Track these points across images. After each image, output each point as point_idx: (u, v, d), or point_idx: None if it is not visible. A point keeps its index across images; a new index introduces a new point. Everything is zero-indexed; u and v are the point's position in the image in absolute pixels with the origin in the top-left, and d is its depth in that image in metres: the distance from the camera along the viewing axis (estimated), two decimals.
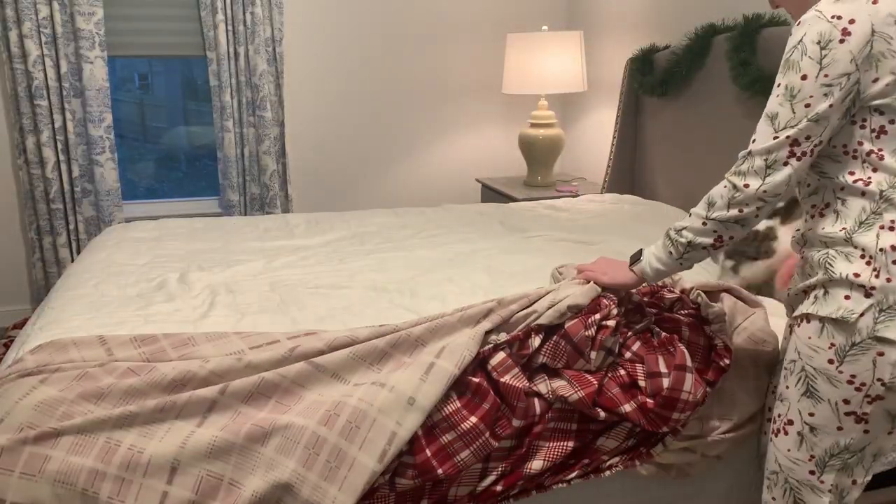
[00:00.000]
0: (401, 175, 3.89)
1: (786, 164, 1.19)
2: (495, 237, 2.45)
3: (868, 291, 1.16)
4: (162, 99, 4.07)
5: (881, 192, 1.17)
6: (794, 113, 1.17)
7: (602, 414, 1.43)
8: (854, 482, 1.27)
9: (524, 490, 1.44)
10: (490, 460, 1.41)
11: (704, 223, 1.31)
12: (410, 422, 1.32)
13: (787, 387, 1.30)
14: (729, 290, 1.65)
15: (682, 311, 1.61)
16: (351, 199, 3.84)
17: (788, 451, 1.30)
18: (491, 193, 3.66)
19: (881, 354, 1.16)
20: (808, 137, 1.17)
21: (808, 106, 1.16)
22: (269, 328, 1.63)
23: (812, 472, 1.28)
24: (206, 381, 1.37)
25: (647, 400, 1.44)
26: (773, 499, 1.35)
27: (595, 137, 3.81)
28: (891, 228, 1.16)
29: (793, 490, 1.31)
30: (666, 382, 1.43)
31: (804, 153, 1.19)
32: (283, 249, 2.31)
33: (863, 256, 1.17)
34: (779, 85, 1.19)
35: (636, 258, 1.49)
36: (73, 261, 2.92)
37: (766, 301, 1.82)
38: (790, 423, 1.29)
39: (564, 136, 3.62)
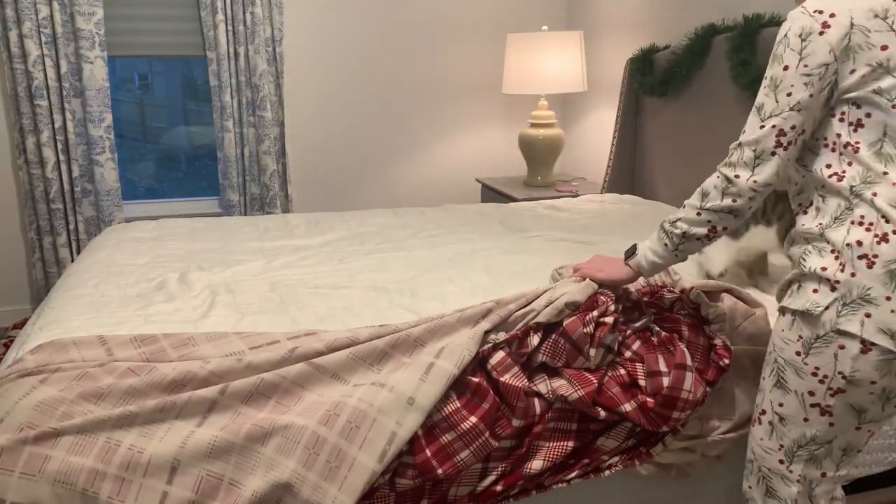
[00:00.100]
0: (401, 175, 3.89)
1: (773, 153, 1.23)
2: (495, 237, 2.45)
3: (833, 285, 1.17)
4: (162, 99, 4.07)
5: (851, 187, 1.18)
6: (777, 102, 1.21)
7: (602, 413, 1.43)
8: (823, 475, 1.28)
9: (524, 490, 1.44)
10: (490, 460, 1.41)
11: (699, 213, 1.33)
12: (410, 422, 1.33)
13: (763, 377, 1.33)
14: (729, 290, 1.65)
15: (682, 311, 1.61)
16: (351, 199, 3.84)
17: (761, 439, 1.33)
18: (491, 193, 3.66)
19: (842, 348, 1.17)
20: (792, 127, 1.21)
21: (789, 95, 1.20)
22: (269, 328, 1.63)
23: (781, 462, 1.30)
24: (206, 381, 1.37)
25: (648, 399, 1.44)
26: (750, 487, 1.37)
27: (595, 137, 3.81)
28: (860, 224, 1.17)
29: (765, 478, 1.33)
30: (666, 381, 1.43)
31: (790, 143, 1.22)
32: (283, 249, 2.31)
33: (833, 251, 1.19)
34: (766, 77, 1.24)
35: (631, 253, 1.50)
36: (73, 261, 2.92)
37: (767, 301, 1.82)
38: (763, 412, 1.32)
39: (564, 136, 3.61)
